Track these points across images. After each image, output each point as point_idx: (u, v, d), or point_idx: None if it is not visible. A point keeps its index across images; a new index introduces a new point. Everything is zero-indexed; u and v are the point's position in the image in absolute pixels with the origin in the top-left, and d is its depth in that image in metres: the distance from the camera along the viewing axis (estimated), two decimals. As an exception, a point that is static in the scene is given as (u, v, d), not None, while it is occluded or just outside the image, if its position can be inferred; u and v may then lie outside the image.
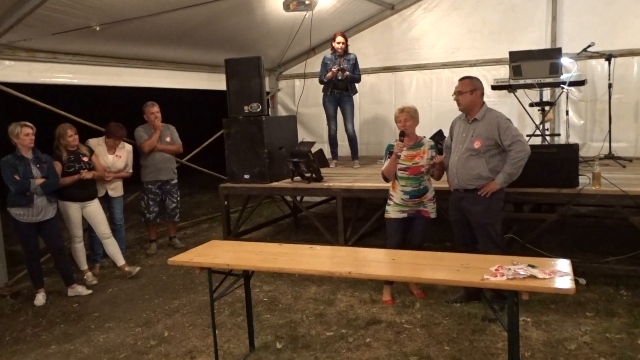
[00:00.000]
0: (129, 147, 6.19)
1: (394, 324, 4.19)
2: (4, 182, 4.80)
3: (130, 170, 6.12)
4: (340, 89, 6.88)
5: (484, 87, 4.31)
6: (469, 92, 4.18)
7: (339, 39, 6.75)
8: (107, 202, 5.95)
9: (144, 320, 4.56)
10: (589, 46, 6.09)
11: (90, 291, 5.24)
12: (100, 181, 5.71)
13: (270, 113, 8.86)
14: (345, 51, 6.80)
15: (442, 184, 4.90)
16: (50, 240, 5.08)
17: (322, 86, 6.88)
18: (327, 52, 6.80)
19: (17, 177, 4.73)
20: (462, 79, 4.30)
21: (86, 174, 5.30)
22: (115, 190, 6.00)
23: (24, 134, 4.84)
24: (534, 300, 4.35)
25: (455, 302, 4.48)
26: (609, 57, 6.10)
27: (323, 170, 6.01)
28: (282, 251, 3.61)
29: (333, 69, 6.68)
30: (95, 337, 4.29)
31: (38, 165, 4.92)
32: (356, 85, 7.03)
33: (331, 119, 7.08)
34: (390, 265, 3.30)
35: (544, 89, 6.29)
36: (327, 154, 7.32)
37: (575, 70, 6.25)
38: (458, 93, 4.23)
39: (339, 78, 6.73)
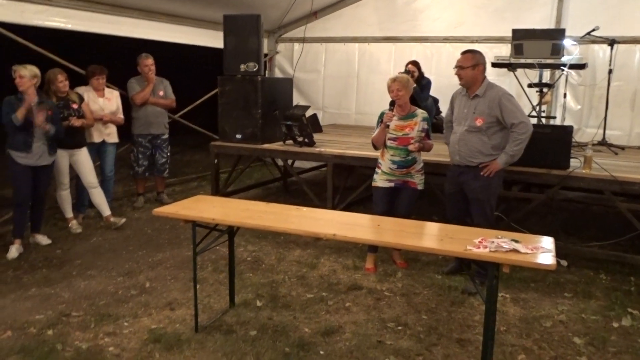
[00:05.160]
0: (116, 92, 6.10)
1: (374, 290, 4.22)
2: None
3: (122, 116, 6.04)
4: None
5: (486, 61, 4.23)
6: (470, 67, 4.08)
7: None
8: (101, 151, 5.92)
9: (126, 271, 4.56)
10: (593, 30, 6.01)
11: (49, 241, 5.14)
12: (90, 127, 5.63)
13: (267, 75, 8.75)
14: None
15: (436, 157, 4.90)
16: (38, 186, 5.00)
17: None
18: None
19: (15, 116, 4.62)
20: (464, 53, 4.18)
21: (75, 122, 5.22)
22: (111, 136, 5.96)
23: (19, 76, 4.72)
24: (514, 277, 4.40)
25: (450, 273, 4.52)
26: (612, 42, 6.03)
27: (316, 136, 5.97)
28: (268, 210, 3.60)
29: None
30: (76, 283, 4.29)
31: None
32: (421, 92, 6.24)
33: None
34: (375, 230, 3.30)
35: (544, 70, 6.23)
36: (323, 120, 7.23)
37: (577, 53, 6.18)
38: (459, 67, 4.13)
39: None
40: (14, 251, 4.82)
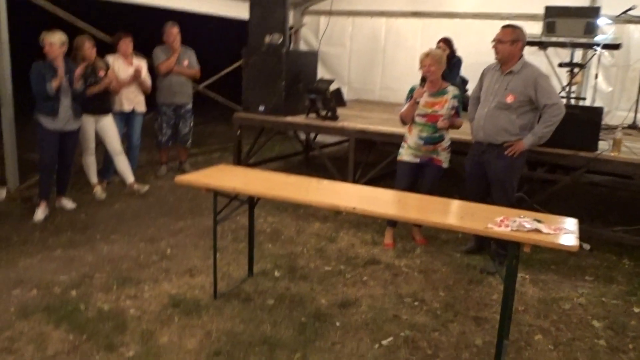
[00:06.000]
0: (144, 61, 6.13)
1: (392, 266, 4.23)
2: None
3: (150, 83, 6.06)
4: None
5: (526, 39, 4.11)
6: (509, 42, 3.96)
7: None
8: (129, 119, 5.99)
9: (148, 237, 4.64)
10: (630, 9, 5.80)
11: (74, 205, 5.24)
12: (116, 94, 5.69)
13: (292, 48, 8.67)
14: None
15: (461, 135, 4.83)
16: (65, 151, 5.08)
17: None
18: None
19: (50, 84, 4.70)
20: (505, 27, 4.05)
21: (110, 77, 5.32)
22: (140, 104, 6.02)
23: (48, 44, 4.76)
24: (534, 259, 4.36)
25: (468, 253, 4.49)
26: (649, 22, 5.83)
27: (339, 111, 5.93)
28: (289, 181, 3.60)
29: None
30: (100, 246, 4.39)
31: (67, 75, 4.85)
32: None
33: None
34: (396, 205, 3.29)
35: (576, 49, 6.05)
36: (347, 95, 7.16)
37: (611, 32, 5.98)
38: (498, 41, 4.01)
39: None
40: (39, 213, 4.92)
